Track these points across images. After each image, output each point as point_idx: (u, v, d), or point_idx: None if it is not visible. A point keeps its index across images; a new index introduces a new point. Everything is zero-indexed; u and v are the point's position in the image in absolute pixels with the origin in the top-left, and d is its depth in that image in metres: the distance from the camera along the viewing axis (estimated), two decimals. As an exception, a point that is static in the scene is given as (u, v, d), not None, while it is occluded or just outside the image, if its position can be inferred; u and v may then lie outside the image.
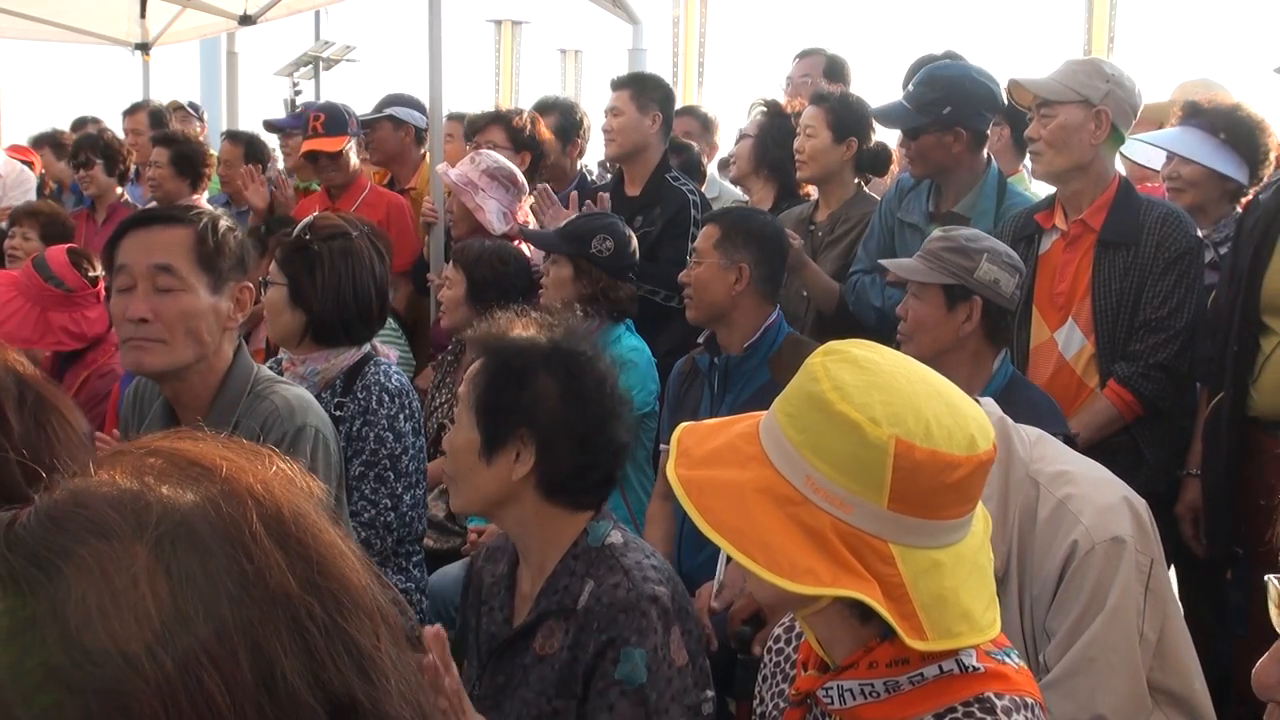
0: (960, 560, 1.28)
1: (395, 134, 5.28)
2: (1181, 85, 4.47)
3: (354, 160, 5.05)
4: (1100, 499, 2.00)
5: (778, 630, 1.66)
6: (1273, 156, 3.62)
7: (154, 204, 5.30)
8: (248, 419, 2.28)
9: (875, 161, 4.07)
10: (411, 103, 5.32)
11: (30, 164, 7.34)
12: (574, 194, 4.33)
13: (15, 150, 7.66)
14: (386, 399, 2.85)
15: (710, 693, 2.01)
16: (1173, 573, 2.77)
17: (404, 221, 4.90)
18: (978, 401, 1.91)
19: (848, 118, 3.94)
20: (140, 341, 2.22)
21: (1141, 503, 2.06)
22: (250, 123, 8.87)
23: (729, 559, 2.99)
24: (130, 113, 6.84)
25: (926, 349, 2.65)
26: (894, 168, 4.34)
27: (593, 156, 6.07)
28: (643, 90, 4.35)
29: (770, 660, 1.64)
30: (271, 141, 6.51)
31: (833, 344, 1.34)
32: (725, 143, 5.95)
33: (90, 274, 3.66)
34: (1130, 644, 1.95)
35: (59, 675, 0.59)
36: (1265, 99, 3.94)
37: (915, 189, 3.74)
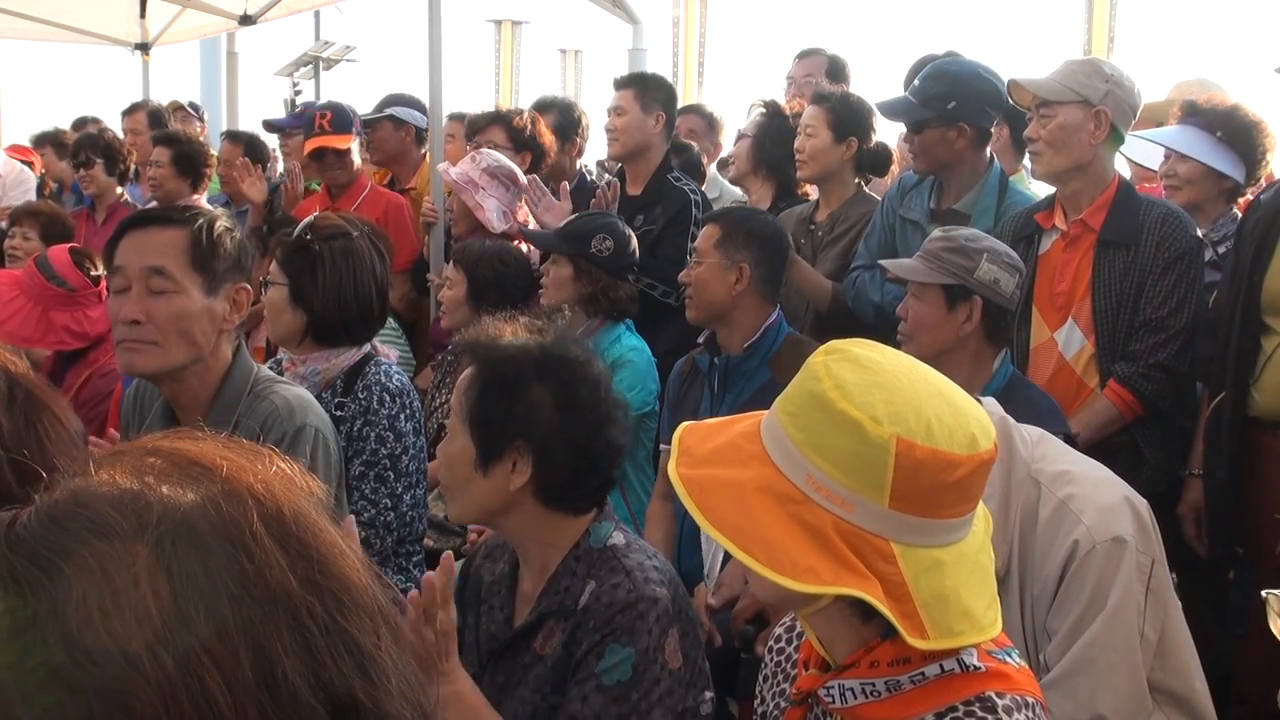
0: (961, 559, 1.28)
1: (396, 134, 5.29)
2: (1178, 85, 4.48)
3: (357, 160, 5.07)
4: (1102, 499, 2.00)
5: (778, 630, 1.66)
6: (1270, 156, 3.63)
7: (154, 204, 5.30)
8: (247, 419, 2.28)
9: (875, 161, 4.07)
10: (412, 103, 5.32)
11: (30, 164, 7.34)
12: (564, 185, 4.32)
13: (15, 150, 7.67)
14: (388, 399, 2.85)
15: (709, 693, 2.01)
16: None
17: (402, 220, 4.90)
18: (980, 401, 1.92)
19: (848, 117, 3.94)
20: (133, 343, 2.22)
21: (1143, 503, 2.06)
22: (250, 123, 8.89)
23: (724, 557, 3.00)
24: (129, 113, 6.84)
25: (927, 349, 2.64)
26: (894, 168, 4.35)
27: (591, 156, 6.07)
28: (646, 90, 4.36)
29: (771, 660, 1.64)
30: (271, 141, 6.51)
31: (834, 343, 1.34)
32: (726, 143, 5.94)
33: (92, 273, 3.67)
34: (1131, 644, 1.95)
35: (60, 675, 0.59)
36: (1265, 99, 3.95)
37: (918, 186, 3.74)
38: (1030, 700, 1.33)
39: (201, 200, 5.36)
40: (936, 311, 2.72)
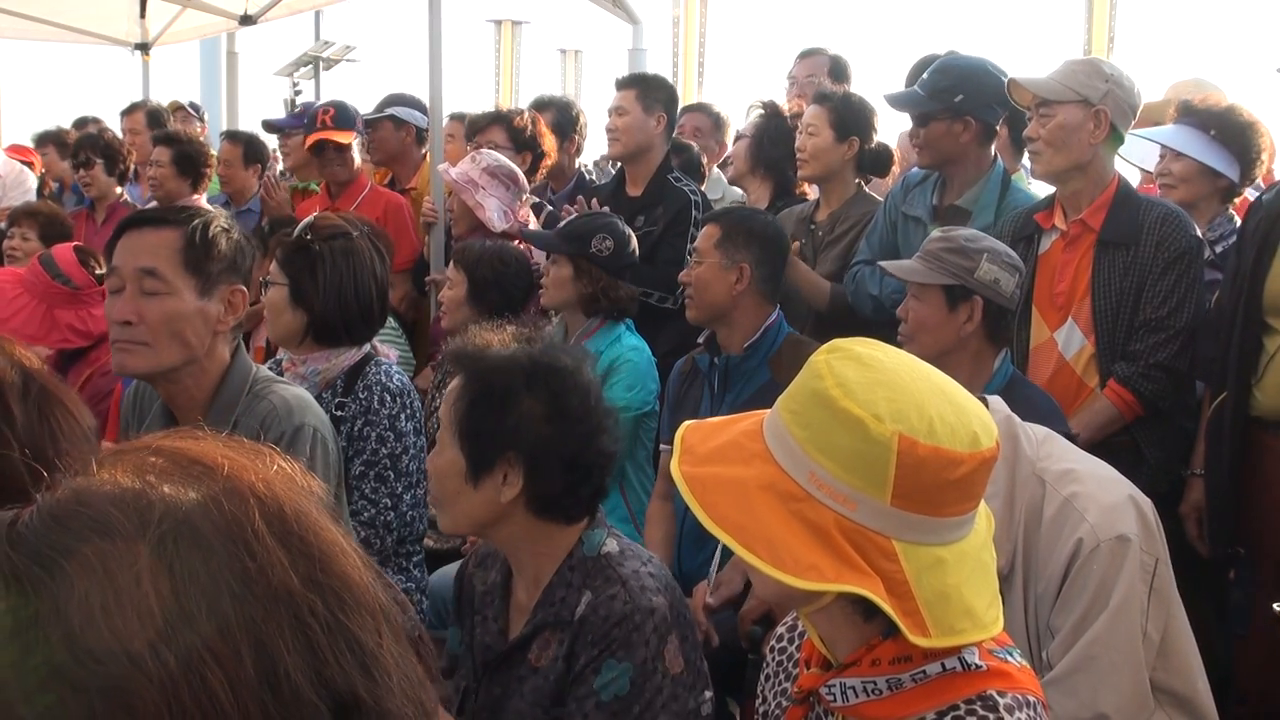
0: (963, 557, 1.28)
1: (396, 134, 5.29)
2: (1174, 85, 4.48)
3: (357, 158, 5.08)
4: (1106, 498, 2.00)
5: (780, 629, 1.66)
6: (1265, 156, 3.63)
7: (154, 203, 5.30)
8: (246, 419, 2.28)
9: (876, 162, 4.07)
10: (412, 103, 5.32)
11: (30, 164, 7.34)
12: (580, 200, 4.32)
13: (15, 150, 7.67)
14: (388, 399, 2.85)
15: (709, 693, 2.01)
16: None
17: (401, 220, 4.90)
18: (986, 400, 1.92)
19: (850, 117, 3.95)
20: (125, 344, 2.21)
21: (1147, 502, 2.06)
22: (250, 123, 8.90)
23: (724, 559, 3.00)
24: (128, 112, 6.83)
25: (928, 349, 2.64)
26: (895, 168, 4.35)
27: (589, 155, 6.08)
28: (648, 90, 4.36)
29: (773, 658, 1.64)
30: (271, 142, 6.51)
31: (837, 341, 1.34)
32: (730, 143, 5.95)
33: (97, 272, 3.67)
34: (1133, 643, 1.95)
35: (62, 674, 0.59)
36: (1265, 99, 3.95)
37: (922, 184, 3.74)
38: (1031, 699, 1.33)
39: (202, 200, 5.36)
40: (937, 312, 2.72)
